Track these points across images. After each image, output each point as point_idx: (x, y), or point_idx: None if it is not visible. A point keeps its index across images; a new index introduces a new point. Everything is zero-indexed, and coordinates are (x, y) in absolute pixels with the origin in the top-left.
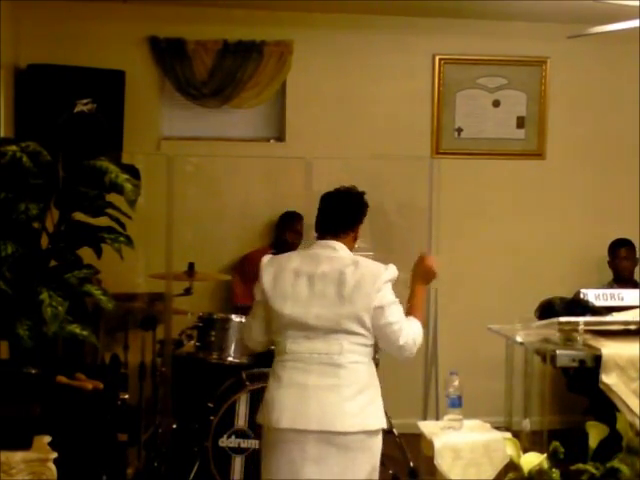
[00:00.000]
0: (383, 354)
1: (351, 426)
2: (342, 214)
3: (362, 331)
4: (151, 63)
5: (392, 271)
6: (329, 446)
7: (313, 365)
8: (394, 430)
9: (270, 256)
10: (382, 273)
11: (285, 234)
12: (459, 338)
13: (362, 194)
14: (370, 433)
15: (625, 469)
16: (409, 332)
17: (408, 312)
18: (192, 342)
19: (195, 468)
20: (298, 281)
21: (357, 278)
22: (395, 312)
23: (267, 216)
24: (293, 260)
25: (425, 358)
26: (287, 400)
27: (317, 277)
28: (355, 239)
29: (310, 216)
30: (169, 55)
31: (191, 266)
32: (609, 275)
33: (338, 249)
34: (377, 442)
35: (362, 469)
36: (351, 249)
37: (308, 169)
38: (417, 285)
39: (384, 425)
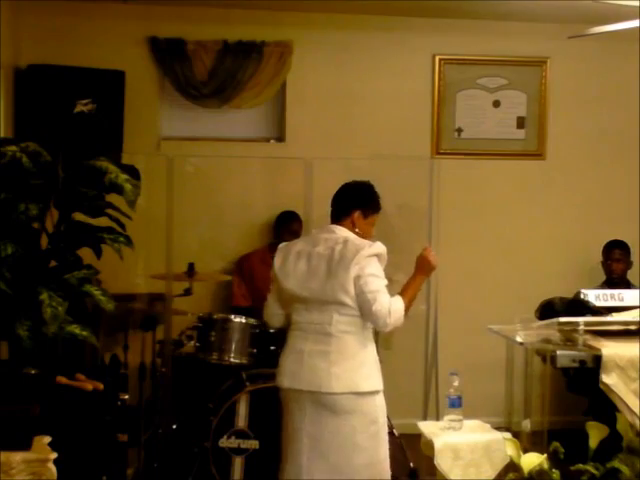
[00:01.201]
0: (382, 354)
1: (335, 388)
2: (340, 200)
3: (349, 302)
4: (151, 63)
5: (376, 247)
6: (321, 406)
7: (310, 334)
8: (394, 430)
9: (285, 243)
10: (364, 248)
11: (282, 235)
12: (459, 338)
13: (362, 185)
14: (360, 395)
15: (625, 469)
16: (384, 303)
17: (398, 294)
18: (192, 342)
19: (195, 469)
20: (299, 261)
21: (342, 253)
22: (371, 283)
23: (267, 216)
24: (299, 244)
25: (425, 359)
26: (288, 363)
27: (313, 256)
28: (353, 224)
29: (310, 216)
30: (169, 55)
31: (191, 266)
32: None
33: (336, 231)
34: (369, 404)
35: (354, 429)
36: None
37: (308, 169)
38: (415, 275)
39: (374, 388)
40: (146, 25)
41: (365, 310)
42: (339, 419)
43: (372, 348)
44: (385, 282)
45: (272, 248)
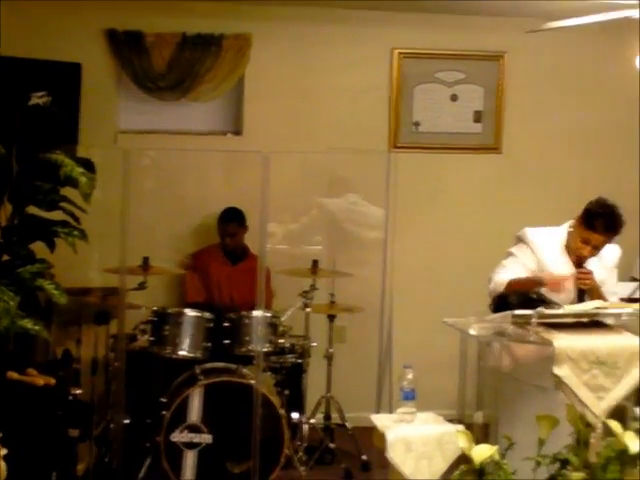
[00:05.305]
0: (336, 348)
1: None
2: None
3: None
4: (108, 56)
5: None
6: None
7: None
8: (347, 423)
9: None
10: None
11: (220, 235)
12: (414, 331)
13: (594, 201)
14: None
15: (574, 460)
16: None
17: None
18: (146, 337)
19: (147, 463)
20: None
21: None
22: None
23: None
24: None
25: (379, 351)
26: None
27: None
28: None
29: (267, 210)
30: (127, 48)
31: (145, 260)
32: None
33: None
34: None
35: None
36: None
37: (266, 163)
38: (539, 276)
39: None
40: (104, 17)
41: None
42: None
43: None
44: (506, 261)
45: (221, 247)
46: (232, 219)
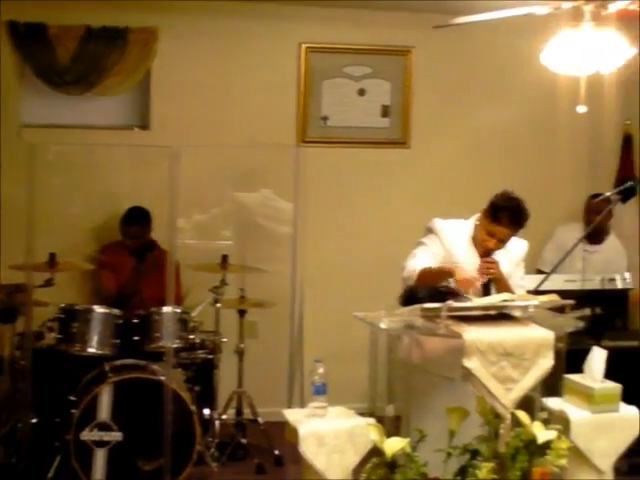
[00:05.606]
0: (248, 343)
1: None
2: None
3: None
4: (10, 48)
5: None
6: None
7: None
8: (259, 419)
9: None
10: None
11: (123, 235)
12: (325, 326)
13: (498, 194)
14: None
15: (484, 450)
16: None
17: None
18: (53, 334)
19: (56, 463)
20: None
21: None
22: None
23: (132, 206)
24: None
25: (290, 346)
26: None
27: None
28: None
29: (176, 205)
30: (29, 40)
31: (52, 257)
32: None
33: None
34: None
35: None
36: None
37: (175, 158)
38: (447, 267)
39: None
40: (4, 9)
41: None
42: None
43: None
44: (417, 250)
45: (123, 244)
46: (135, 222)
